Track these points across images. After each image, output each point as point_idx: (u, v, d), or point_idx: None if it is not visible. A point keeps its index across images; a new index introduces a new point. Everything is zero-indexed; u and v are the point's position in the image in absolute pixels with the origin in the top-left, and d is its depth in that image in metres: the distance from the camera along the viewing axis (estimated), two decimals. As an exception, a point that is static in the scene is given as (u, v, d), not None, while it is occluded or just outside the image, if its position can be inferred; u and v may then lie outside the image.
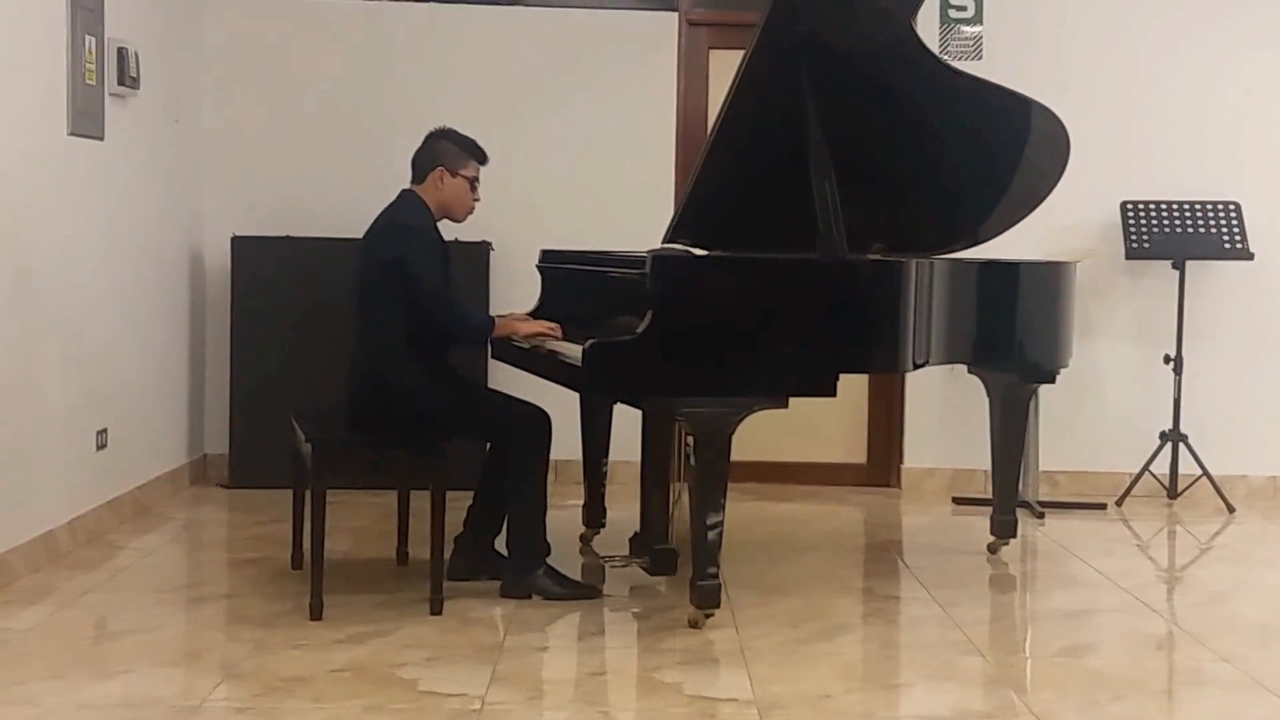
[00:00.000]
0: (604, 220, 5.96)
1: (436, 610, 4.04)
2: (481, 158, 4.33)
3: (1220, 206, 5.94)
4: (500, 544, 4.37)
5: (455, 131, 4.34)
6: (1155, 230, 5.92)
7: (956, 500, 6.05)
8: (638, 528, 4.73)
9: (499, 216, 5.86)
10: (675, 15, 6.24)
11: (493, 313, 5.03)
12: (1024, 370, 4.76)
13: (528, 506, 4.21)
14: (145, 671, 3.52)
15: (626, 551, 4.68)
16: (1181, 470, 6.00)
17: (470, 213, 4.37)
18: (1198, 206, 5.95)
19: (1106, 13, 6.15)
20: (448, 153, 4.28)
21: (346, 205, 5.82)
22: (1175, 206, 5.96)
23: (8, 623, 3.88)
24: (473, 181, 4.31)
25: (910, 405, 6.26)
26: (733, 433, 3.89)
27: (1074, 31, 6.14)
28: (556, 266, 4.90)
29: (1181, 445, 5.95)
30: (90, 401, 4.88)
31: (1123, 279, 6.15)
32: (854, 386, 6.02)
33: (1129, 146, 6.12)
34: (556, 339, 4.26)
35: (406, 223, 4.20)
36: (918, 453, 6.29)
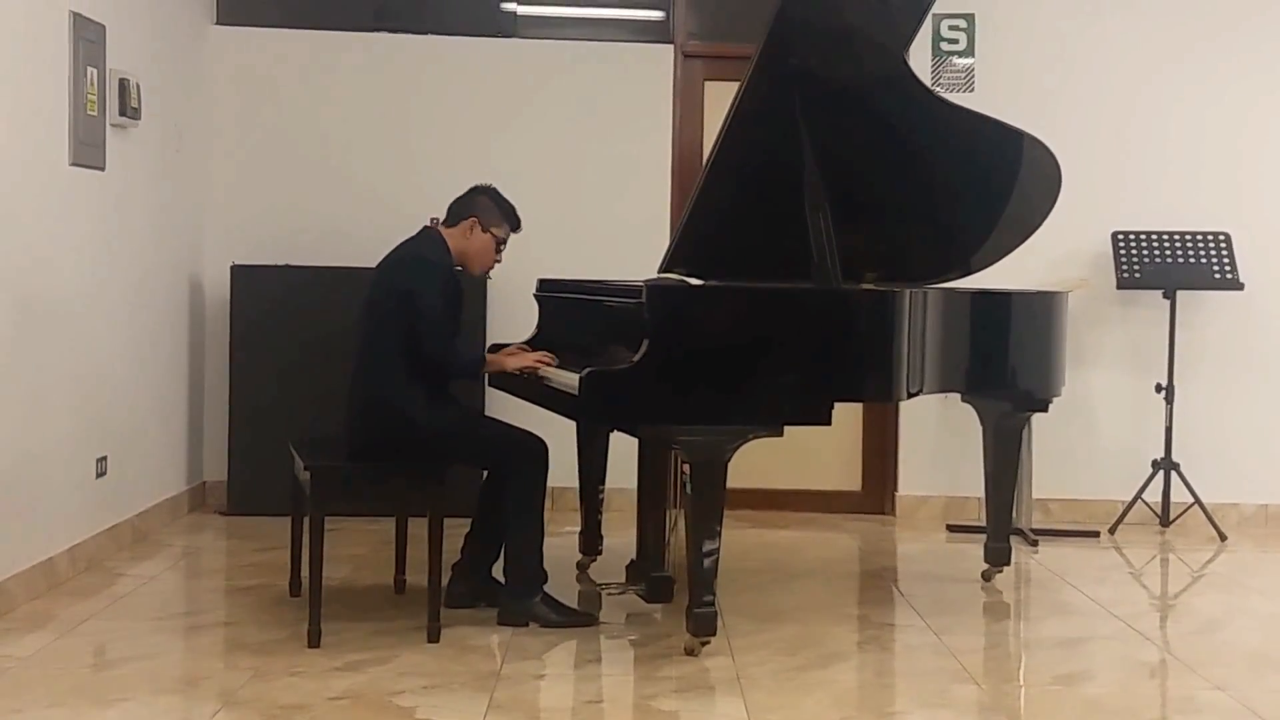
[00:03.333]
0: (600, 250, 6.01)
1: (434, 638, 4.05)
2: (516, 224, 4.40)
3: (1210, 237, 5.99)
4: (498, 571, 4.39)
5: (498, 192, 4.41)
6: (1146, 260, 5.98)
7: (951, 528, 6.07)
8: (634, 555, 4.76)
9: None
10: (670, 47, 6.31)
11: (491, 341, 5.08)
12: (1017, 399, 4.80)
13: (525, 534, 4.24)
14: (144, 699, 3.54)
15: (623, 579, 4.70)
16: (1173, 498, 6.03)
17: (487, 271, 4.45)
18: (1188, 237, 6.00)
19: (1097, 45, 6.22)
20: (485, 208, 4.35)
21: (345, 234, 5.88)
22: (1166, 237, 6.01)
23: (7, 650, 3.90)
24: (500, 243, 4.38)
25: (904, 433, 6.29)
26: (728, 460, 3.92)
27: (1065, 64, 6.21)
28: (553, 295, 4.93)
29: (1173, 473, 5.99)
30: (90, 429, 4.91)
31: (1114, 308, 6.20)
32: (849, 415, 6.06)
33: (1120, 178, 6.18)
34: (548, 365, 4.28)
35: (425, 257, 4.26)
36: (912, 480, 6.31)
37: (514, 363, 4.39)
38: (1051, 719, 3.64)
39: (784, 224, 4.33)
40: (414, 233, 4.39)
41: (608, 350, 4.25)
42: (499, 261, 4.43)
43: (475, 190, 4.40)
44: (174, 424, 5.85)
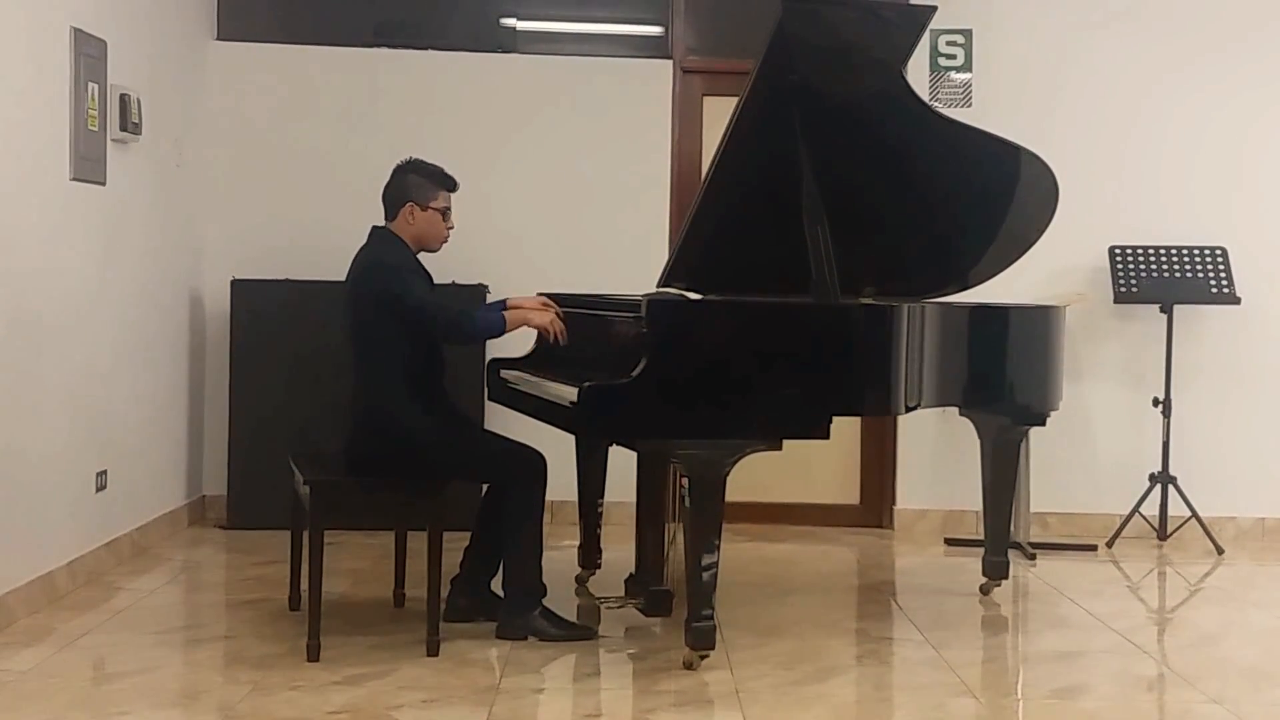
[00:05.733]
0: (599, 264, 6.02)
1: (433, 652, 4.06)
2: (451, 186, 4.35)
3: (1207, 251, 6.01)
4: (497, 585, 4.40)
5: (422, 162, 4.35)
6: (1143, 275, 6.00)
7: (949, 541, 6.08)
8: (633, 569, 4.77)
9: (495, 260, 5.95)
10: (670, 63, 6.33)
11: (490, 357, 5.06)
12: (1015, 413, 4.81)
13: (523, 547, 4.24)
14: (144, 713, 3.54)
15: (622, 592, 4.71)
16: (1171, 512, 6.04)
17: (445, 242, 4.38)
18: (1185, 252, 6.02)
19: (1094, 60, 6.24)
20: (416, 186, 4.30)
21: (345, 249, 5.83)
22: (1163, 251, 6.03)
23: (7, 664, 3.90)
24: (444, 212, 4.33)
25: (903, 447, 6.30)
26: (727, 474, 3.93)
27: (1062, 79, 6.23)
28: (552, 310, 4.94)
29: (1170, 487, 6.00)
30: (90, 443, 4.92)
31: (1111, 323, 6.21)
32: (847, 428, 6.07)
33: (1117, 192, 6.20)
34: (558, 331, 4.27)
35: (386, 259, 4.24)
36: (910, 494, 6.32)
37: (539, 319, 4.31)
38: (1049, 733, 3.65)
39: (783, 238, 4.35)
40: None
41: (607, 364, 4.26)
42: (451, 228, 4.37)
43: (398, 172, 4.33)
44: (173, 438, 5.86)
